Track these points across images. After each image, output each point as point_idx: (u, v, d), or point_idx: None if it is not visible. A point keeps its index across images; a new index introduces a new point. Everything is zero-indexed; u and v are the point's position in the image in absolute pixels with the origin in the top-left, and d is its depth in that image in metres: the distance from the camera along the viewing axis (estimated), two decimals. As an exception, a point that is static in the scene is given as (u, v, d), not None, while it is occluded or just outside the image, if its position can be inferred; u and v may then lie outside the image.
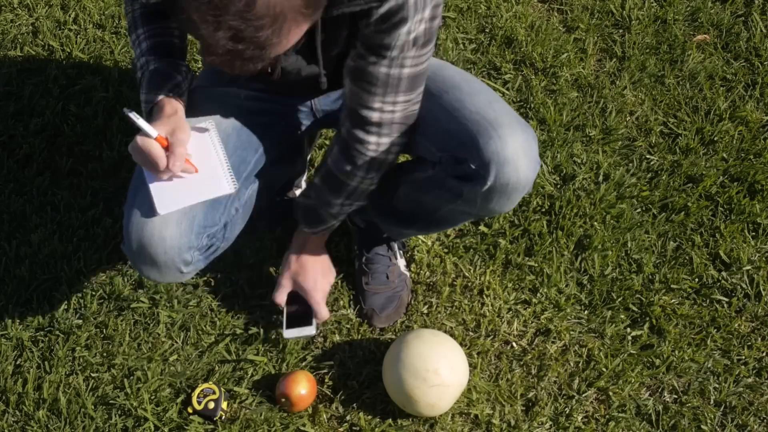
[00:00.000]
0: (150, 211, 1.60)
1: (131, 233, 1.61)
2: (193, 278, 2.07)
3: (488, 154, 1.56)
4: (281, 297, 1.95)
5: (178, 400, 1.94)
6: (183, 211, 1.61)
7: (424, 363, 1.82)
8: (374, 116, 1.59)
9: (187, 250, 1.64)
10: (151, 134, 1.51)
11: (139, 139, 1.52)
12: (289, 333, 1.94)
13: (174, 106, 1.60)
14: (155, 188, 1.58)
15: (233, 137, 1.72)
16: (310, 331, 1.93)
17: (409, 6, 1.43)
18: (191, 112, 1.71)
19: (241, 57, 1.21)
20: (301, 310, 1.96)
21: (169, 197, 1.58)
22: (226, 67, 1.25)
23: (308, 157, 2.27)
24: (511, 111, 1.64)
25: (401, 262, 2.12)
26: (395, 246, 2.11)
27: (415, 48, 1.50)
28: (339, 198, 1.76)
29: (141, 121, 1.50)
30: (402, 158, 1.99)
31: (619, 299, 2.10)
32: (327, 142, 2.35)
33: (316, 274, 1.94)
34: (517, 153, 1.56)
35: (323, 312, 1.93)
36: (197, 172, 1.59)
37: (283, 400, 1.91)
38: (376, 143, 1.63)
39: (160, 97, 1.60)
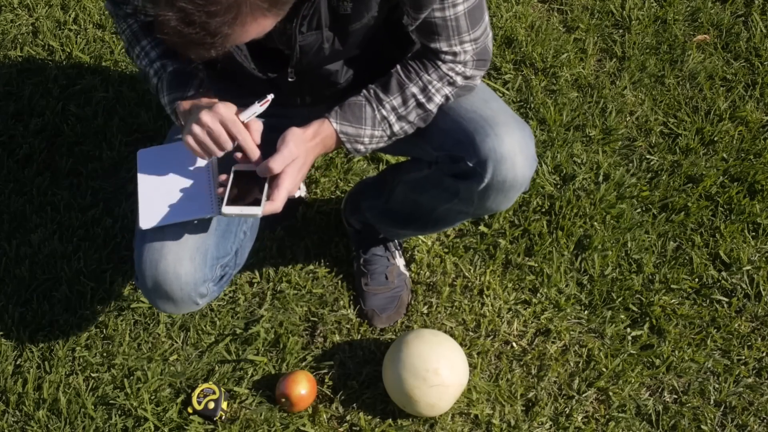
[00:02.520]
0: (162, 246, 1.58)
1: (145, 271, 1.60)
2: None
3: (485, 152, 1.56)
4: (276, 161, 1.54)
5: (178, 400, 1.94)
6: (195, 245, 1.60)
7: (424, 363, 1.82)
8: (447, 51, 1.56)
9: (202, 284, 1.63)
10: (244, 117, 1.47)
11: (224, 111, 1.46)
12: (229, 209, 1.53)
13: (210, 101, 1.52)
14: (143, 201, 1.57)
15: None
16: (254, 210, 1.52)
17: None
18: None
19: (191, 40, 1.20)
20: (251, 189, 1.57)
21: (154, 213, 1.57)
22: (176, 48, 1.24)
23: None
24: (507, 109, 1.64)
25: (400, 262, 2.12)
26: (393, 246, 2.11)
27: None
28: (394, 101, 1.58)
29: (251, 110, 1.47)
30: (394, 160, 1.99)
31: (619, 299, 2.10)
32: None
33: (303, 163, 1.57)
34: (513, 150, 1.56)
35: (278, 195, 1.51)
36: (188, 187, 1.58)
37: (283, 400, 1.91)
38: (452, 64, 1.57)
39: (191, 92, 1.55)
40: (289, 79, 1.60)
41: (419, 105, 1.59)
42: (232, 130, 1.48)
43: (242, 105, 1.53)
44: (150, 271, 1.59)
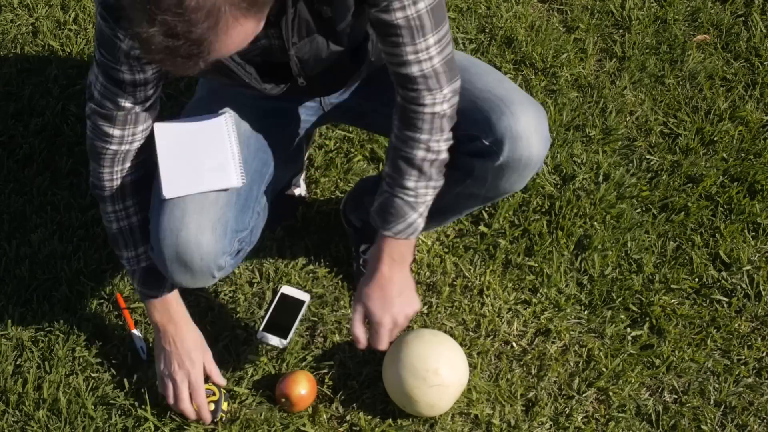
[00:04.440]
0: (183, 215, 1.58)
1: (164, 239, 1.59)
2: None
3: (501, 129, 1.57)
4: (357, 328, 1.70)
5: (178, 400, 1.94)
6: (217, 216, 1.60)
7: (423, 363, 1.82)
8: (414, 70, 1.52)
9: (222, 256, 1.63)
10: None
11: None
12: (261, 335, 2.00)
13: (177, 306, 1.80)
14: (165, 170, 1.57)
15: (253, 139, 1.72)
16: (280, 343, 1.99)
17: None
18: (205, 108, 1.71)
19: (178, 54, 1.19)
20: (285, 320, 2.02)
21: (177, 183, 1.57)
22: (166, 66, 1.24)
23: (306, 155, 2.27)
24: (520, 89, 1.65)
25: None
26: None
27: None
28: (411, 177, 1.60)
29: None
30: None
31: (619, 299, 2.10)
32: (327, 142, 2.35)
33: (391, 297, 1.67)
34: (529, 128, 1.58)
35: (383, 342, 1.69)
36: (207, 165, 1.59)
37: (283, 400, 1.91)
38: (432, 100, 1.55)
39: (165, 292, 1.77)
40: (300, 84, 1.63)
41: (433, 162, 1.59)
42: (195, 397, 1.83)
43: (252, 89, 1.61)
44: (170, 240, 1.59)
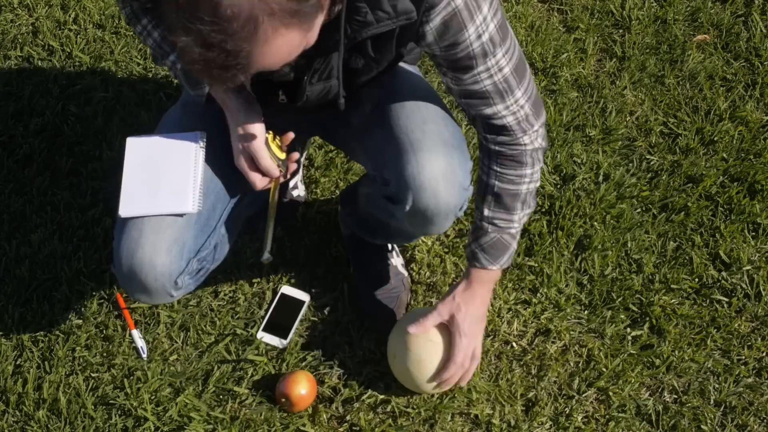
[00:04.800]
0: (140, 235, 1.59)
1: (122, 258, 1.61)
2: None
3: (405, 178, 1.55)
4: (429, 321, 1.79)
5: (178, 399, 1.94)
6: (173, 237, 1.60)
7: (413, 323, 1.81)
8: (509, 120, 1.56)
9: (178, 276, 1.63)
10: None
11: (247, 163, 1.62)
12: (261, 335, 2.01)
13: (245, 94, 1.60)
14: (126, 190, 1.60)
15: (221, 157, 1.67)
16: (279, 343, 2.00)
17: (461, 9, 1.38)
18: (179, 122, 1.71)
19: (215, 65, 1.14)
20: (285, 320, 2.02)
21: (135, 202, 1.60)
22: (205, 77, 1.20)
23: (303, 157, 2.27)
24: (442, 132, 1.60)
25: (398, 262, 2.11)
26: (388, 247, 2.10)
27: (499, 46, 1.47)
28: (517, 211, 1.67)
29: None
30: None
31: (619, 299, 2.10)
32: (326, 142, 2.35)
33: (476, 317, 1.78)
34: (435, 179, 1.55)
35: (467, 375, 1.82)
36: (168, 182, 1.61)
37: (283, 400, 1.91)
38: (529, 138, 1.60)
39: (206, 89, 1.60)
40: (279, 100, 1.63)
41: (534, 191, 1.67)
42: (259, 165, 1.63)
43: None
44: (126, 260, 1.60)
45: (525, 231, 2.20)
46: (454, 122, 1.68)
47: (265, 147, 1.60)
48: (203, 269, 1.72)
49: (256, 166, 1.63)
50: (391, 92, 1.66)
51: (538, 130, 1.60)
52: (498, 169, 1.62)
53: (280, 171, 1.64)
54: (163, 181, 1.62)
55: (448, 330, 1.79)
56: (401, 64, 1.74)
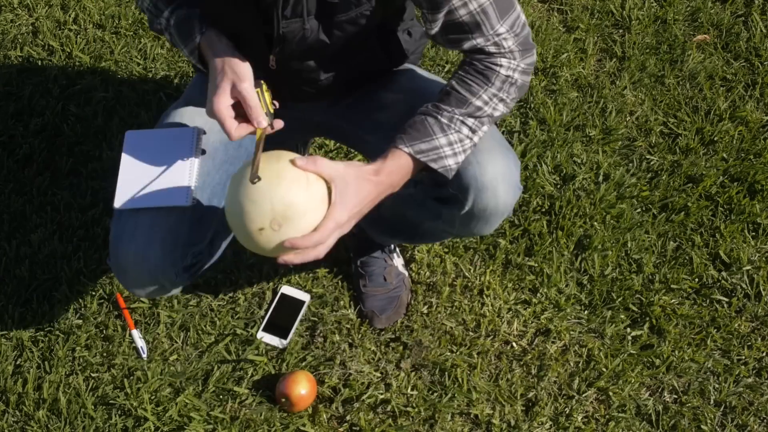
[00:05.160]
0: (135, 228, 1.59)
1: (116, 250, 1.61)
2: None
3: (467, 180, 1.54)
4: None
5: (178, 399, 1.94)
6: (168, 230, 1.60)
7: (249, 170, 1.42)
8: (491, 48, 1.48)
9: (172, 270, 1.63)
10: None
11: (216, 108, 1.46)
12: (261, 335, 2.02)
13: (218, 37, 1.51)
14: (122, 182, 1.61)
15: (221, 151, 1.69)
16: (279, 343, 2.01)
17: None
18: (179, 117, 1.70)
19: None
20: (285, 320, 2.03)
21: (130, 195, 1.60)
22: None
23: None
24: (494, 135, 1.60)
25: (398, 262, 2.11)
26: (389, 248, 2.11)
27: None
28: (453, 108, 1.48)
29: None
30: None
31: (619, 299, 2.10)
32: (327, 142, 2.35)
33: (358, 201, 1.48)
34: (496, 179, 1.54)
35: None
36: (165, 174, 1.61)
37: (283, 400, 1.91)
38: (507, 62, 1.50)
39: (197, 38, 1.52)
40: (270, 66, 1.56)
41: (488, 117, 1.51)
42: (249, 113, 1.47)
43: None
44: (121, 252, 1.60)
45: (525, 231, 2.20)
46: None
47: (255, 90, 1.48)
48: (198, 263, 1.72)
49: (233, 111, 1.49)
50: (420, 95, 1.61)
51: (520, 65, 1.50)
52: (461, 73, 1.51)
53: (268, 123, 1.50)
54: (159, 174, 1.63)
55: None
56: (415, 68, 1.74)
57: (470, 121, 1.49)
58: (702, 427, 1.93)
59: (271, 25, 1.49)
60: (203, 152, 1.66)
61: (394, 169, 1.48)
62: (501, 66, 1.50)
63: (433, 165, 1.48)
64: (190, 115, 1.70)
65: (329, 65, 1.61)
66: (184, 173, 1.62)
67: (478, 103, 1.49)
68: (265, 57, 1.56)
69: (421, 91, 1.64)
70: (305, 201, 1.39)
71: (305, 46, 1.53)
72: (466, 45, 1.48)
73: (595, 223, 2.22)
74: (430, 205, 1.66)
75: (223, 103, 1.47)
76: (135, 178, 1.62)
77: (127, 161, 1.64)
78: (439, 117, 1.47)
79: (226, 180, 1.70)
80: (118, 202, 1.60)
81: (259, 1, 1.47)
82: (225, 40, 1.53)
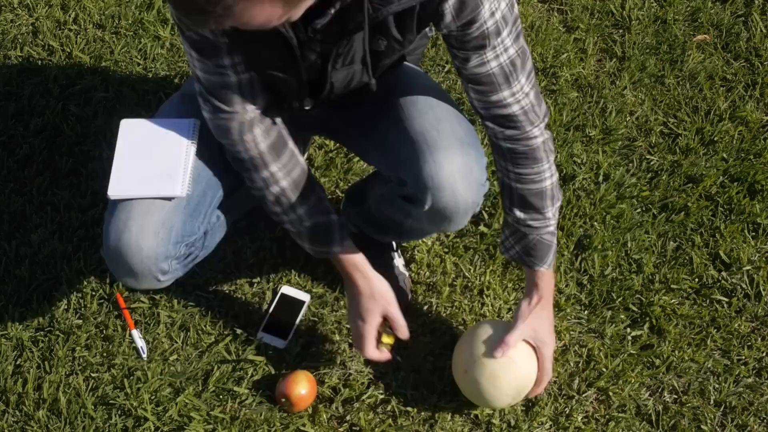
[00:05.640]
0: (128, 217, 1.59)
1: (109, 240, 1.61)
2: (193, 278, 2.07)
3: (423, 178, 1.55)
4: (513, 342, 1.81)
5: (178, 399, 1.94)
6: (161, 220, 1.60)
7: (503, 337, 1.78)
8: (515, 108, 1.55)
9: (164, 260, 1.63)
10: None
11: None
12: (261, 335, 2.02)
13: (353, 254, 1.71)
14: (116, 170, 1.60)
15: (218, 145, 1.68)
16: (280, 343, 2.01)
17: None
18: (175, 110, 1.71)
19: (194, 4, 1.14)
20: (285, 320, 2.03)
21: (124, 184, 1.60)
22: (180, 12, 1.19)
23: (304, 157, 2.27)
24: (456, 131, 1.61)
25: (399, 262, 2.11)
26: (389, 247, 2.11)
27: (507, 26, 1.47)
28: (548, 208, 1.68)
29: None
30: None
31: (619, 299, 2.10)
32: (327, 142, 2.35)
33: (550, 322, 1.84)
34: (453, 177, 1.55)
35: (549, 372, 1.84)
36: (158, 167, 1.61)
37: (283, 400, 1.91)
38: (538, 130, 1.59)
39: (336, 249, 1.69)
40: (306, 108, 1.61)
41: (556, 183, 1.68)
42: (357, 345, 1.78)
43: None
44: (113, 242, 1.60)
45: (525, 231, 2.20)
46: (466, 120, 1.68)
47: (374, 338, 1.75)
48: (191, 255, 1.72)
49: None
50: (399, 91, 1.66)
51: (544, 120, 1.60)
52: (516, 170, 1.63)
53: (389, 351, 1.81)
54: (153, 164, 1.63)
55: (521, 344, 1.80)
56: (406, 63, 1.74)
57: (557, 208, 1.70)
58: (702, 427, 1.93)
59: (319, 75, 1.52)
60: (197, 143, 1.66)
61: (545, 285, 1.76)
62: (535, 137, 1.59)
63: (553, 261, 1.75)
64: (187, 109, 1.71)
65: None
66: (179, 163, 1.62)
67: (549, 183, 1.64)
68: (301, 97, 1.59)
69: (414, 98, 1.68)
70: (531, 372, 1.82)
71: (349, 90, 1.57)
72: (493, 97, 1.54)
73: (595, 223, 2.22)
74: (399, 204, 1.68)
75: (373, 335, 1.75)
76: (129, 167, 1.62)
77: (121, 150, 1.63)
78: (551, 229, 1.69)
79: (220, 173, 1.71)
80: (112, 191, 1.59)
81: (304, 57, 1.49)
82: (361, 256, 1.73)
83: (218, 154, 1.68)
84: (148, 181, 1.61)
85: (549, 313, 1.79)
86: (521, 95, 1.54)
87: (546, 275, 1.74)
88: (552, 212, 1.67)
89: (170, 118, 1.70)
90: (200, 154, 1.66)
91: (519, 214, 1.66)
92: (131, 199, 1.60)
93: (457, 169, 1.56)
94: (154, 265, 1.62)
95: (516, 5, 1.49)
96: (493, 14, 1.43)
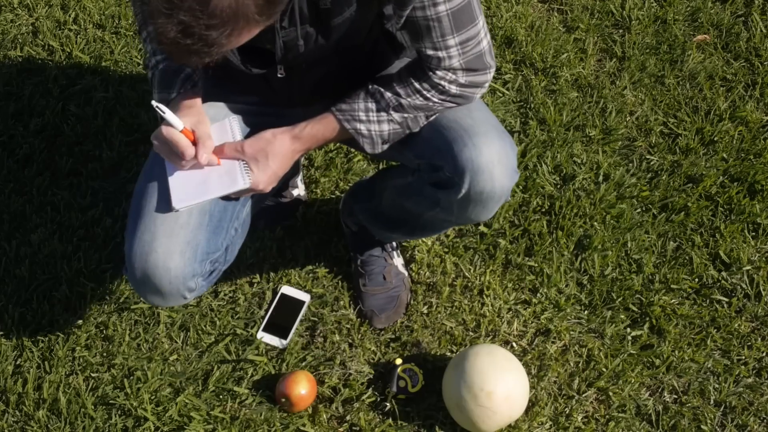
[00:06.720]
0: (153, 239, 1.58)
1: (134, 263, 1.60)
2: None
3: (462, 162, 1.55)
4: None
5: (178, 399, 1.94)
6: (186, 239, 1.60)
7: (481, 381, 1.81)
8: (433, 58, 1.52)
9: (192, 278, 1.63)
10: (177, 126, 1.49)
11: (164, 129, 1.50)
12: (261, 335, 2.02)
13: (191, 101, 1.59)
14: (174, 182, 1.57)
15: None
16: (279, 343, 2.01)
17: None
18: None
19: (187, 50, 1.22)
20: (285, 320, 2.02)
21: (185, 192, 1.56)
22: (172, 56, 1.26)
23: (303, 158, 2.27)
24: (490, 119, 1.62)
25: (398, 262, 2.11)
26: (389, 247, 2.11)
27: None
28: (385, 87, 1.59)
29: (168, 114, 1.48)
30: (384, 165, 2.00)
31: (619, 299, 2.10)
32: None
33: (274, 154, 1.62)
34: (492, 162, 1.56)
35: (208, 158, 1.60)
36: (219, 164, 1.58)
37: (283, 400, 1.91)
38: (443, 73, 1.54)
39: (174, 94, 1.59)
40: (279, 75, 1.59)
41: (408, 106, 1.57)
42: (179, 146, 1.52)
43: (235, 101, 1.64)
44: (139, 264, 1.59)
45: (525, 231, 2.20)
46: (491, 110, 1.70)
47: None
48: (215, 270, 1.72)
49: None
50: None
51: (458, 79, 1.55)
52: (401, 71, 1.60)
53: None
54: (209, 168, 1.60)
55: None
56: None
57: (389, 96, 1.57)
58: (702, 427, 1.93)
59: (272, 38, 1.52)
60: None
61: (316, 123, 1.61)
62: (435, 75, 1.55)
63: (346, 125, 1.59)
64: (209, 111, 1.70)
65: (338, 68, 1.63)
66: (234, 159, 1.60)
67: (399, 89, 1.56)
68: (273, 68, 1.59)
69: None
70: None
71: (308, 52, 1.55)
72: (416, 45, 1.53)
73: (595, 223, 2.22)
74: (428, 192, 1.67)
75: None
76: (182, 176, 1.58)
77: (169, 163, 1.61)
78: (369, 87, 1.58)
79: None
80: (176, 203, 1.55)
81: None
82: (198, 109, 1.59)
83: None
84: (209, 183, 1.58)
85: (286, 142, 1.62)
86: (442, 52, 1.51)
87: (326, 116, 1.61)
88: (378, 91, 1.57)
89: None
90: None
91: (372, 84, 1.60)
92: (154, 218, 1.59)
93: (496, 152, 1.57)
94: (182, 285, 1.62)
95: None
96: None
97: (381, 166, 2.30)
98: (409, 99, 1.57)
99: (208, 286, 1.73)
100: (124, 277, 2.11)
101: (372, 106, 1.58)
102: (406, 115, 1.59)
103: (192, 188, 1.57)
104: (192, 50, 1.21)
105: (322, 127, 1.62)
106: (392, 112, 1.59)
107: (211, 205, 1.64)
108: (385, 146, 1.63)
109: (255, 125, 1.75)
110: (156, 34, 1.22)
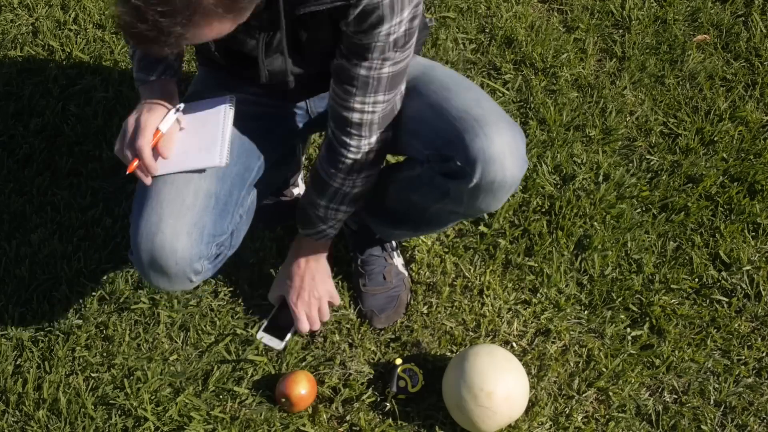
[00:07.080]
0: (159, 220, 1.59)
1: (140, 244, 1.61)
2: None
3: (474, 152, 1.56)
4: (272, 297, 2.04)
5: (178, 400, 1.94)
6: (193, 220, 1.61)
7: (481, 381, 1.80)
8: (354, 117, 1.61)
9: (198, 260, 1.64)
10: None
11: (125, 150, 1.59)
12: (261, 335, 2.02)
13: (169, 87, 1.65)
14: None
15: (236, 144, 1.71)
16: (277, 344, 2.00)
17: (385, 6, 1.44)
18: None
19: (145, 37, 1.23)
20: (285, 321, 2.01)
21: (162, 162, 1.59)
22: (133, 42, 1.28)
23: (304, 156, 2.28)
24: (499, 109, 1.63)
25: (398, 261, 2.11)
26: (390, 247, 2.11)
27: (395, 50, 1.52)
28: (323, 199, 1.77)
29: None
30: (393, 159, 2.01)
31: (619, 299, 2.10)
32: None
33: (303, 284, 1.96)
34: (503, 151, 1.57)
35: (302, 325, 1.97)
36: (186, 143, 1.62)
37: (283, 400, 1.91)
38: (357, 146, 1.66)
39: (153, 77, 1.64)
40: (263, 80, 1.66)
41: (345, 196, 1.76)
42: (137, 139, 1.56)
43: (242, 90, 1.69)
44: (146, 245, 1.60)
45: (525, 231, 2.20)
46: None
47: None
48: (221, 255, 1.73)
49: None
50: (425, 80, 1.69)
51: (372, 143, 1.66)
52: (323, 152, 1.73)
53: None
54: (192, 140, 1.62)
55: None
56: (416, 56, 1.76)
57: (342, 210, 1.80)
58: (702, 427, 1.93)
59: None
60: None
61: (306, 247, 1.94)
62: (350, 153, 1.67)
63: (323, 241, 1.91)
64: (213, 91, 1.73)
65: (313, 69, 1.66)
66: (217, 136, 1.62)
67: (336, 185, 1.73)
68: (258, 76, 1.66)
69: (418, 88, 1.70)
70: None
71: (288, 76, 1.64)
72: (344, 96, 1.60)
73: (595, 223, 2.22)
74: (438, 182, 1.67)
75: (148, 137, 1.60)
76: (170, 147, 1.62)
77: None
78: (317, 212, 1.81)
79: (244, 171, 1.74)
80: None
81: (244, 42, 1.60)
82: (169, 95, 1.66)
83: (239, 151, 1.72)
84: (189, 155, 1.60)
85: (296, 271, 1.97)
86: (369, 108, 1.60)
87: (302, 241, 1.93)
88: (323, 206, 1.79)
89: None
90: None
91: (310, 175, 1.81)
92: (161, 202, 1.61)
93: (507, 142, 1.58)
94: (189, 266, 1.63)
95: (414, 33, 1.54)
96: (388, 35, 1.49)
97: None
98: (347, 190, 1.74)
99: (214, 270, 1.74)
100: (125, 276, 2.11)
101: (333, 223, 1.85)
102: (356, 191, 1.76)
103: (173, 157, 1.59)
104: (150, 38, 1.23)
105: (308, 247, 1.93)
106: (344, 216, 1.82)
107: (216, 188, 1.66)
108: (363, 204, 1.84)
109: (259, 115, 1.79)
110: (116, 19, 1.24)
